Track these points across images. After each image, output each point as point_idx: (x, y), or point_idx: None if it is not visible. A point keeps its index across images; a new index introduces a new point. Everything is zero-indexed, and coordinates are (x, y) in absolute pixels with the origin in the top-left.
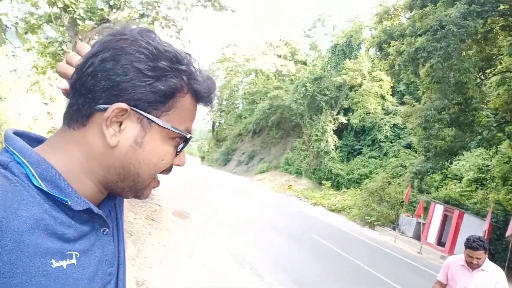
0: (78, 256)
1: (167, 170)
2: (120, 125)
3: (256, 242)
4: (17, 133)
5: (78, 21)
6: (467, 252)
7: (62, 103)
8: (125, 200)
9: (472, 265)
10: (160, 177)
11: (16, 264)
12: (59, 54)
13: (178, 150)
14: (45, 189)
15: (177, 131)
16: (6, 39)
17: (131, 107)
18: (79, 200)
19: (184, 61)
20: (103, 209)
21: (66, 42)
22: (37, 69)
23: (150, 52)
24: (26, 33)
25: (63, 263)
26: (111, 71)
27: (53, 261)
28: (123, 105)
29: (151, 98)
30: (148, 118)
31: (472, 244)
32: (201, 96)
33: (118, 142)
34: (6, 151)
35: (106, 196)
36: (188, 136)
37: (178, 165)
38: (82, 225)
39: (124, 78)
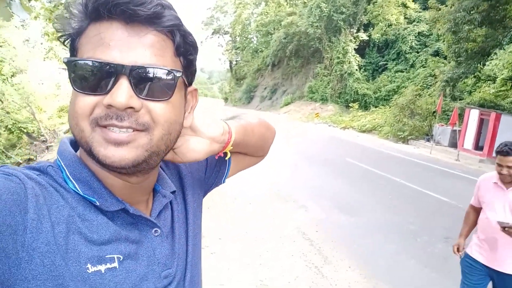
0: (121, 260)
1: (108, 118)
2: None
3: (294, 175)
4: (71, 140)
5: None
6: (497, 160)
7: None
8: None
9: (504, 177)
10: None
11: (51, 267)
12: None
13: (72, 82)
14: (79, 190)
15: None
16: (12, 13)
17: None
18: (113, 200)
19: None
20: (155, 210)
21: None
22: (48, 35)
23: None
24: (29, 1)
25: (102, 267)
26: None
27: (89, 265)
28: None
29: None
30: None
31: (502, 148)
32: (90, 10)
33: None
34: (56, 158)
35: (158, 196)
36: (67, 60)
37: (110, 105)
38: (126, 226)
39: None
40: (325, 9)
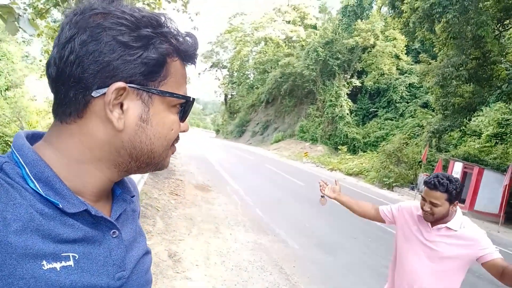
0: (76, 258)
1: (177, 139)
2: (122, 106)
3: (277, 210)
4: (27, 134)
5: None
6: (423, 193)
7: None
8: (148, 176)
9: (426, 215)
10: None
11: (2, 266)
12: None
13: (181, 115)
14: (40, 191)
15: (179, 97)
16: (19, 27)
17: (129, 85)
18: (75, 201)
19: (164, 23)
20: (115, 212)
21: None
22: (48, 53)
23: (129, 21)
24: (32, 19)
25: (57, 265)
26: (97, 52)
27: (44, 262)
28: (121, 84)
29: (146, 70)
30: (148, 92)
31: (431, 180)
32: (189, 55)
33: (124, 124)
34: (10, 152)
35: (118, 199)
36: (191, 99)
37: (184, 131)
38: (86, 226)
39: (113, 56)
40: (321, 54)
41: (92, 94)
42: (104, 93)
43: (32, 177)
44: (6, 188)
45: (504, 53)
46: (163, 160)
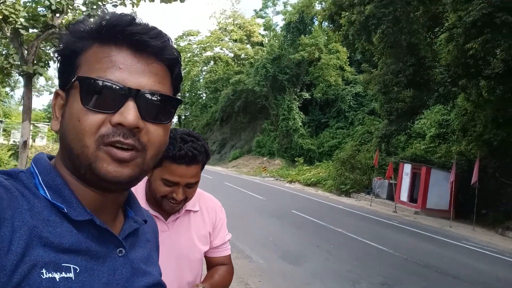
0: (77, 271)
1: (115, 135)
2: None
3: (239, 226)
4: (49, 155)
5: (21, 31)
6: (169, 177)
7: (17, 119)
8: None
9: (173, 204)
10: None
11: (1, 273)
12: (7, 68)
13: (84, 98)
14: (49, 197)
15: (80, 80)
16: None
17: (58, 88)
18: (81, 210)
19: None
20: (124, 231)
21: (12, 54)
22: None
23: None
24: None
25: (56, 275)
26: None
27: (44, 271)
28: (56, 90)
29: (62, 68)
30: (62, 89)
31: (182, 152)
32: (108, 33)
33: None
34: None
35: (129, 220)
36: (77, 76)
37: (121, 124)
38: (90, 239)
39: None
40: (270, 69)
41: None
42: None
43: (43, 185)
44: (16, 195)
45: (437, 59)
46: (93, 164)
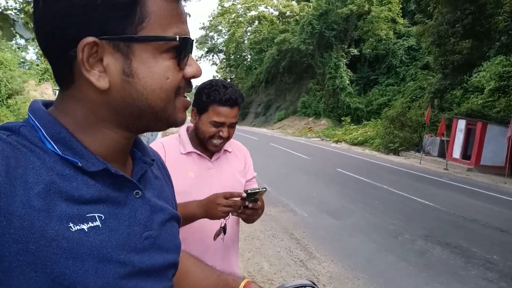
0: (103, 218)
1: (186, 88)
2: (102, 62)
3: (284, 183)
4: (42, 102)
5: None
6: (216, 118)
7: None
8: None
9: (216, 143)
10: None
11: (31, 230)
12: None
13: (179, 60)
14: (59, 152)
15: (165, 40)
16: (16, 33)
17: (100, 38)
18: (94, 160)
19: None
20: (136, 173)
21: None
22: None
23: None
24: (27, 23)
25: (84, 226)
26: (58, 11)
27: (71, 224)
28: (89, 39)
29: (115, 16)
30: (124, 41)
31: (224, 96)
32: None
33: (109, 82)
34: (27, 117)
35: (138, 162)
36: (181, 39)
37: (194, 76)
38: (107, 187)
39: (75, 10)
40: (316, 26)
41: (70, 56)
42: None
43: (49, 139)
44: (24, 152)
45: (500, 5)
46: (172, 114)
